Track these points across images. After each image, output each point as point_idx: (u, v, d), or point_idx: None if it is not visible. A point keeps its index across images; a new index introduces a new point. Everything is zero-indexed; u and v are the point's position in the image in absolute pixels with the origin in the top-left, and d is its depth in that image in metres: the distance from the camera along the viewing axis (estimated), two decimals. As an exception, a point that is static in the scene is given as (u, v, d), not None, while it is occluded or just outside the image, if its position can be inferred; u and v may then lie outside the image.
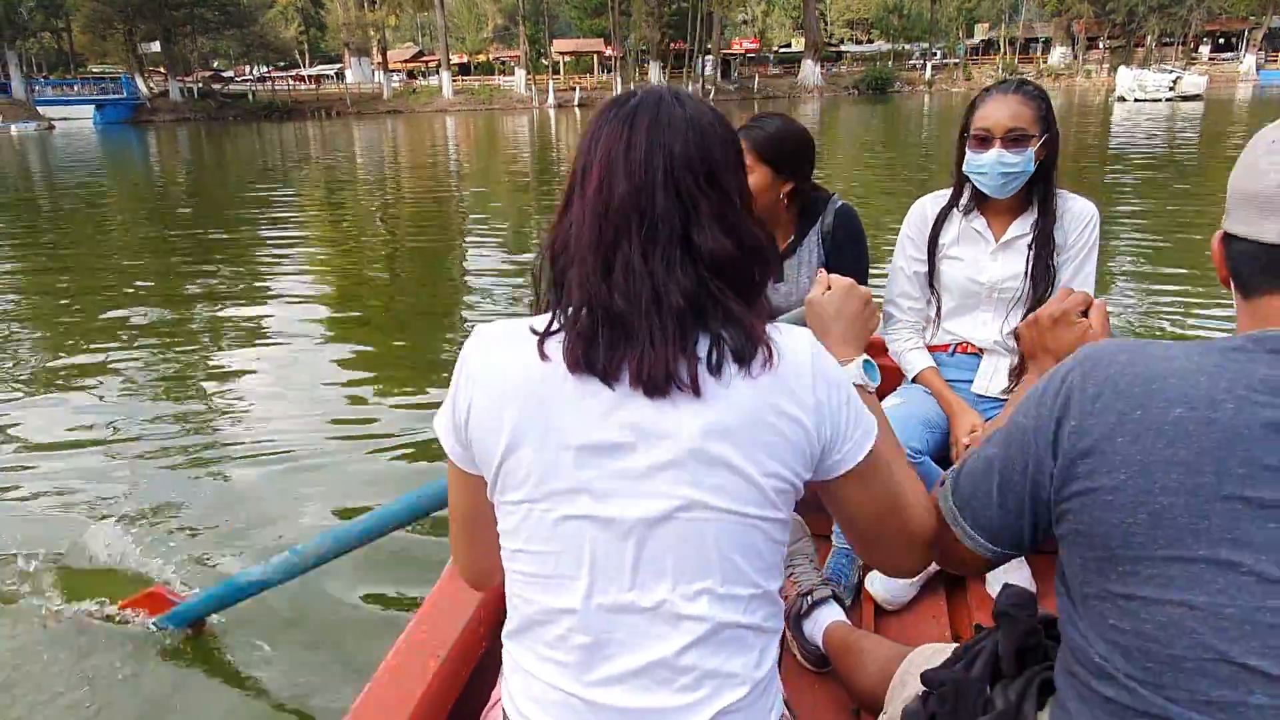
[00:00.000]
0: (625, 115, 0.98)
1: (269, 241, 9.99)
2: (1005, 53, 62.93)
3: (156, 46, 49.33)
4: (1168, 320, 5.77)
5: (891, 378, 2.26)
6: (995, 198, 2.08)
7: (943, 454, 2.12)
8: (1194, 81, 36.16)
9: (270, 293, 7.41)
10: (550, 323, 0.97)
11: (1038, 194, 2.08)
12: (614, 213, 0.94)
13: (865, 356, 1.23)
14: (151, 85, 51.17)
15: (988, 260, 2.15)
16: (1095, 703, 0.89)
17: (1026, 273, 2.09)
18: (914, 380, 2.23)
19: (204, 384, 5.13)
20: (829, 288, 1.30)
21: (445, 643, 1.45)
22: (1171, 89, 35.35)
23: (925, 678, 1.19)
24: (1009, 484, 0.97)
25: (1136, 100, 35.15)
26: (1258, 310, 0.88)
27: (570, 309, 0.96)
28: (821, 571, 2.00)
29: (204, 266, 8.48)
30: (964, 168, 2.07)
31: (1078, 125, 24.43)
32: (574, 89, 53.03)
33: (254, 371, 5.35)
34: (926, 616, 2.05)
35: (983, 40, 67.64)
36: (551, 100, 50.19)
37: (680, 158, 0.95)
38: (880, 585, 2.08)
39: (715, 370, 0.93)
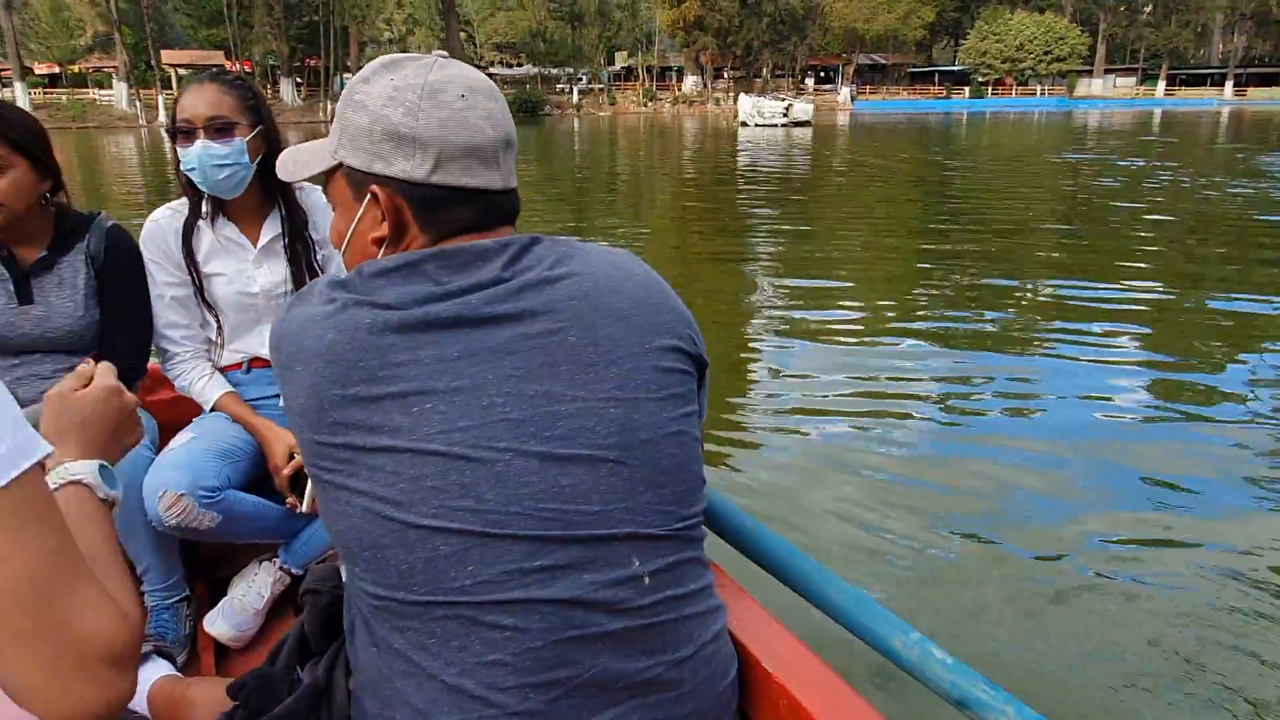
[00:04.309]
0: None
1: None
2: (644, 79, 66.39)
3: None
4: (804, 308, 5.89)
5: (189, 410, 2.10)
6: (227, 198, 1.98)
7: (253, 480, 1.95)
8: (803, 109, 39.86)
9: None
10: None
11: (279, 192, 2.04)
12: None
13: (102, 462, 0.94)
14: None
15: (253, 270, 2.05)
16: (374, 628, 0.93)
17: (288, 276, 2.06)
18: (213, 410, 2.04)
19: None
20: (87, 383, 1.00)
21: None
22: (785, 115, 38.67)
23: (228, 689, 1.12)
24: None
25: (757, 125, 37.98)
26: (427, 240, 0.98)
27: None
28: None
29: None
30: (181, 168, 1.93)
31: (713, 147, 25.44)
32: (191, 106, 47.04)
33: None
34: None
35: (624, 67, 70.98)
36: (162, 118, 43.96)
37: None
38: (223, 622, 1.94)
39: None
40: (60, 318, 1.90)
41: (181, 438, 1.92)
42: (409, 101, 0.95)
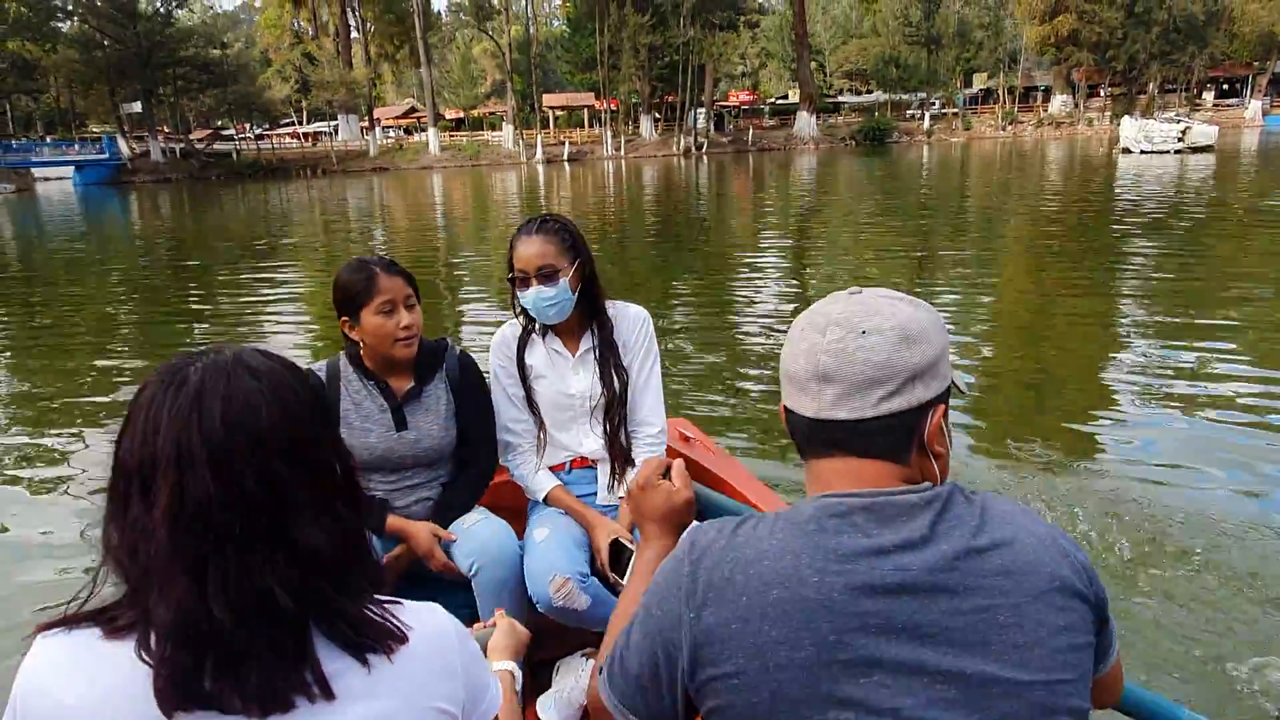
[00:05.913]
0: (190, 397, 0.83)
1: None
2: (1004, 102, 61.96)
3: (139, 106, 48.31)
4: (1183, 381, 5.64)
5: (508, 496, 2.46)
6: (555, 324, 2.32)
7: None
8: (1205, 131, 33.98)
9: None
10: (139, 650, 0.82)
11: (590, 311, 2.34)
12: (200, 517, 0.81)
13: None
14: (133, 146, 50.22)
15: (571, 375, 2.36)
16: None
17: (597, 378, 2.34)
18: (545, 502, 2.34)
19: None
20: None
21: None
22: (1180, 140, 33.22)
23: None
24: (652, 676, 1.02)
25: (1143, 153, 33.13)
26: (813, 471, 1.06)
27: (156, 638, 0.81)
28: None
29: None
30: (519, 303, 2.28)
31: (1080, 181, 22.84)
32: (563, 143, 52.01)
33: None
34: None
35: (982, 89, 66.86)
36: (540, 156, 49.12)
37: (270, 441, 0.83)
38: (553, 712, 2.10)
39: (358, 662, 0.88)
40: (429, 440, 2.28)
41: (541, 531, 2.21)
42: None
